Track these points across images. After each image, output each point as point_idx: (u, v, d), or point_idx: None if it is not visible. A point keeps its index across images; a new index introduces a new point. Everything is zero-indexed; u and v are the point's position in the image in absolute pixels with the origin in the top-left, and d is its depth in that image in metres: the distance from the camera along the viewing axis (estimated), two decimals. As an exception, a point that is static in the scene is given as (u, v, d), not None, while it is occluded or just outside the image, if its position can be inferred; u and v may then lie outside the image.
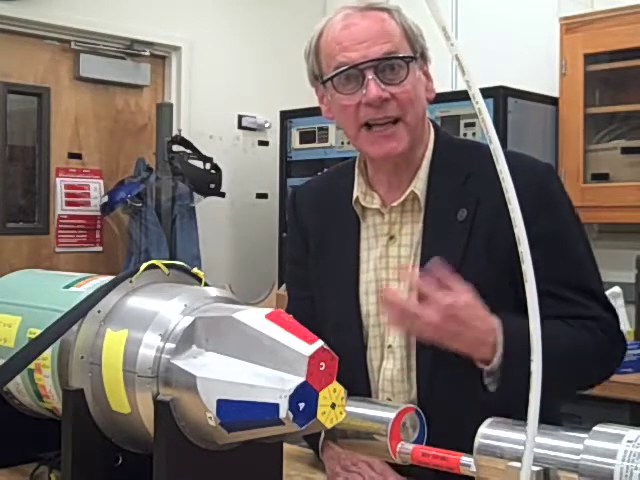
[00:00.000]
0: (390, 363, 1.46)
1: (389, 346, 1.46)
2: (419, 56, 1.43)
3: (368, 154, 1.47)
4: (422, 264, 1.43)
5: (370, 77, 1.38)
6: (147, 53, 4.27)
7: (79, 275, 1.36)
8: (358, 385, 1.45)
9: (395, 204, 1.47)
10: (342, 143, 4.03)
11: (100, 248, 4.22)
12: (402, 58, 1.39)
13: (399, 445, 1.03)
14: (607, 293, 3.50)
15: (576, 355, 1.36)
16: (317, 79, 1.48)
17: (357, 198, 1.50)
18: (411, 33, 1.43)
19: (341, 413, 0.97)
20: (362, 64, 1.38)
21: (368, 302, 1.49)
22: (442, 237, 1.43)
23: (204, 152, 4.19)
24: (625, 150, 3.49)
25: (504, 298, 1.38)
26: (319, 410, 0.95)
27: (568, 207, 1.47)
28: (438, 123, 1.56)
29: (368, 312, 1.49)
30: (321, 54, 1.45)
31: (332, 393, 0.96)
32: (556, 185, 1.47)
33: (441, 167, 1.47)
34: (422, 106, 1.45)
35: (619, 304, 3.31)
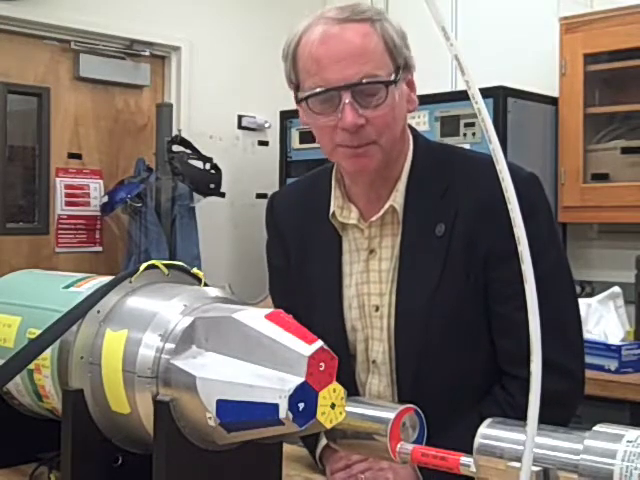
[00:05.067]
0: (376, 379, 1.45)
1: (373, 361, 1.45)
2: (402, 68, 1.37)
3: (344, 168, 1.44)
4: (400, 279, 1.41)
5: (347, 101, 1.31)
6: (147, 53, 4.27)
7: (79, 275, 1.36)
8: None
9: (374, 219, 1.44)
10: (342, 143, 4.03)
11: (100, 248, 4.22)
12: (382, 82, 1.33)
13: (399, 445, 1.03)
14: (607, 293, 3.49)
15: None
16: (292, 83, 1.43)
17: (334, 213, 1.47)
18: (393, 45, 1.35)
19: (341, 413, 0.97)
20: (339, 88, 1.31)
21: (352, 317, 1.47)
22: (420, 252, 1.40)
23: (204, 152, 4.19)
24: (625, 150, 3.49)
25: (481, 312, 1.39)
26: (319, 410, 0.95)
27: (548, 222, 1.42)
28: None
29: (353, 327, 1.47)
30: (298, 65, 1.39)
31: (332, 393, 0.96)
32: (538, 197, 1.42)
33: (420, 179, 1.43)
34: (401, 124, 1.40)
35: (619, 304, 3.31)
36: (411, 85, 1.42)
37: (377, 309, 1.44)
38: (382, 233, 1.45)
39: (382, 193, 1.44)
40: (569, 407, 1.42)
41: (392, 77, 1.34)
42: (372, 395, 1.45)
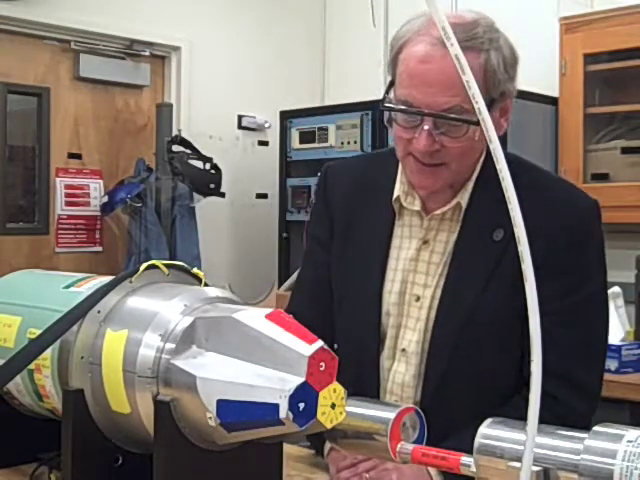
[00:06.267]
0: (403, 367, 1.45)
1: (403, 350, 1.45)
2: (496, 100, 1.37)
3: (408, 177, 1.46)
4: (449, 276, 1.43)
5: (426, 128, 1.33)
6: (147, 53, 4.27)
7: (79, 275, 1.36)
8: (366, 380, 1.46)
9: (438, 212, 1.45)
10: (342, 143, 4.02)
11: (100, 248, 4.23)
12: (464, 121, 1.33)
13: (399, 445, 1.03)
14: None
15: None
16: (389, 73, 1.44)
17: (398, 197, 1.48)
18: (492, 79, 1.35)
19: (341, 413, 0.97)
20: (422, 113, 1.34)
21: (390, 301, 1.47)
22: (474, 254, 1.42)
23: (204, 152, 4.20)
24: (625, 150, 3.49)
25: (519, 320, 1.37)
26: (319, 410, 0.95)
27: (597, 250, 1.44)
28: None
29: (388, 311, 1.47)
30: (397, 67, 1.40)
31: (332, 393, 0.96)
32: (597, 226, 1.44)
33: (487, 183, 1.43)
34: (478, 153, 1.42)
35: (619, 304, 3.31)
36: (504, 111, 1.43)
37: (418, 299, 1.45)
38: (440, 227, 1.46)
39: (447, 190, 1.45)
40: (586, 426, 1.44)
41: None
42: (396, 383, 1.46)
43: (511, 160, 1.51)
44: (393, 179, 1.50)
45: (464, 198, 1.44)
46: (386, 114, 1.45)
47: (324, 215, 1.60)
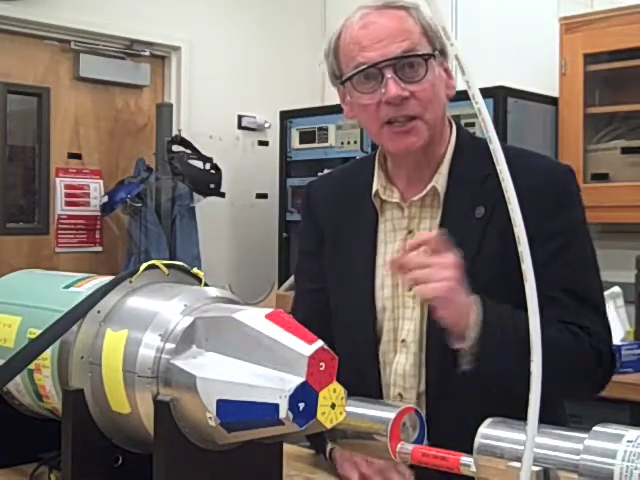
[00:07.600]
0: (403, 357, 1.46)
1: (402, 340, 1.47)
2: (438, 53, 1.43)
3: (389, 149, 1.48)
4: None
5: (389, 76, 1.38)
6: (147, 53, 4.27)
7: (79, 275, 1.36)
8: (369, 379, 1.47)
9: (416, 198, 1.48)
10: (342, 143, 4.02)
11: (100, 248, 4.22)
12: (421, 56, 1.40)
13: (399, 445, 1.04)
14: (607, 293, 3.50)
15: (558, 355, 1.32)
16: (337, 79, 1.49)
17: (377, 191, 1.51)
18: (430, 30, 1.42)
19: (341, 413, 0.97)
20: (381, 63, 1.39)
21: (383, 296, 1.49)
22: (459, 233, 1.41)
23: (204, 152, 4.20)
24: (625, 150, 3.49)
25: (512, 297, 1.38)
26: (319, 410, 0.95)
27: (582, 212, 1.48)
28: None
29: (383, 306, 1.49)
30: (340, 54, 1.46)
31: (332, 393, 0.96)
32: (574, 188, 1.47)
33: (462, 164, 1.48)
34: (442, 104, 1.46)
35: (619, 304, 3.31)
36: (448, 72, 1.48)
37: (410, 288, 1.45)
38: (421, 215, 1.49)
39: (424, 175, 1.48)
40: (605, 371, 1.45)
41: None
42: (398, 375, 1.46)
43: (478, 142, 1.53)
44: (371, 178, 1.53)
45: (439, 182, 1.46)
46: (346, 113, 1.51)
47: (311, 225, 1.63)
